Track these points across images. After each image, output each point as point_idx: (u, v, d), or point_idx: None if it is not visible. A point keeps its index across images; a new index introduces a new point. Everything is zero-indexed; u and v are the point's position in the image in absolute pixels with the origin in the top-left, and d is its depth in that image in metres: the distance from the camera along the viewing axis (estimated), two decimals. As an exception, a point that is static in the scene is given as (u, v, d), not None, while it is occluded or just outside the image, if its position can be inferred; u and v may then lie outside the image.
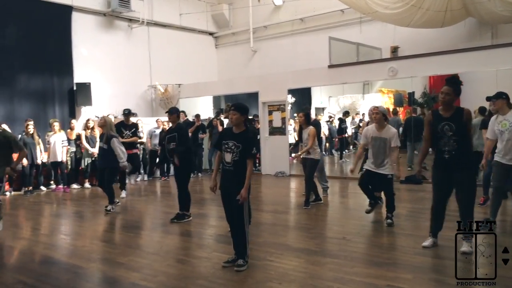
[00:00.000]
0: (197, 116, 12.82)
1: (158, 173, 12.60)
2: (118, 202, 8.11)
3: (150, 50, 14.65)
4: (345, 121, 14.67)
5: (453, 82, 4.68)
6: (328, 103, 16.98)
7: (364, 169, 6.46)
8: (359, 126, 14.03)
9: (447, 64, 9.79)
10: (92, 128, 10.90)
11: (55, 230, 6.90)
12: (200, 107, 14.72)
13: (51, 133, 10.64)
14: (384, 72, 10.67)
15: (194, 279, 4.27)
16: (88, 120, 11.18)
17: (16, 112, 11.46)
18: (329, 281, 4.04)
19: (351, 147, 15.76)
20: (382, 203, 6.87)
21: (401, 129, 11.44)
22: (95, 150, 10.73)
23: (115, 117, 11.19)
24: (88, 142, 10.79)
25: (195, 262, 4.86)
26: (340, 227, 6.32)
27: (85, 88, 12.40)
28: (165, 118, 10.62)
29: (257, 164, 12.46)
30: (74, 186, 10.95)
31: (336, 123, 15.28)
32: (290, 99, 12.52)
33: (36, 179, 10.60)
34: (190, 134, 10.53)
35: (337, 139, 15.31)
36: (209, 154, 12.95)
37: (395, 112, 12.50)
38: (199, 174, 12.73)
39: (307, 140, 7.49)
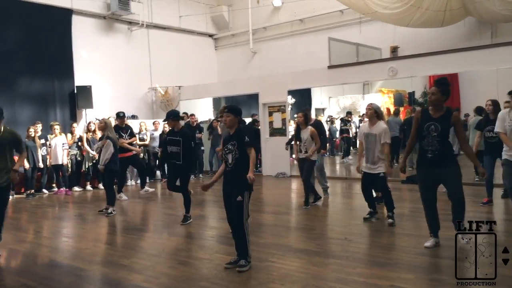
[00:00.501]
0: (192, 115, 12.75)
1: (158, 175, 12.60)
2: (114, 211, 7.83)
3: (150, 52, 14.67)
4: (349, 121, 14.65)
5: (440, 83, 4.79)
6: (328, 104, 17.00)
7: (362, 172, 6.47)
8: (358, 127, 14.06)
9: (447, 64, 9.80)
10: (94, 131, 10.92)
11: (57, 233, 6.91)
12: (201, 109, 14.74)
13: (52, 136, 10.66)
14: (384, 72, 10.68)
15: (197, 281, 4.28)
16: (89, 123, 11.21)
17: (17, 115, 11.48)
18: (331, 282, 4.05)
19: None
20: (382, 203, 6.88)
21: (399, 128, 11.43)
22: (96, 153, 10.75)
23: (115, 119, 11.18)
24: (89, 145, 10.82)
25: (197, 263, 4.87)
26: (341, 227, 6.33)
27: (86, 91, 12.42)
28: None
29: (258, 165, 12.46)
30: (76, 188, 10.97)
31: (336, 123, 15.30)
32: (290, 100, 12.53)
33: (38, 182, 10.61)
34: None
35: (338, 140, 15.32)
36: (210, 156, 12.96)
37: (396, 113, 12.49)
38: (200, 176, 12.73)
39: (306, 140, 7.49)
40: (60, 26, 12.41)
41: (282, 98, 12.27)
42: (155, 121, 12.51)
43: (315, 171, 7.98)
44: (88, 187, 11.06)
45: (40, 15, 11.95)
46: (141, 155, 10.95)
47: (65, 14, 12.48)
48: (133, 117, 13.35)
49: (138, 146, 10.70)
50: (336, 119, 15.59)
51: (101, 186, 11.16)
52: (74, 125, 11.36)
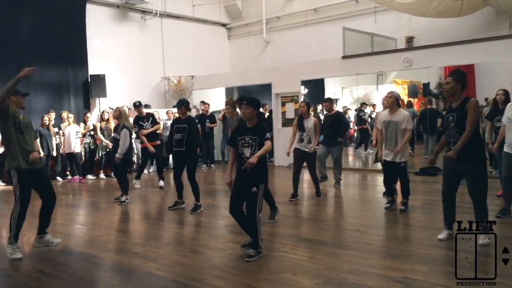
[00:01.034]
0: (205, 104, 12.75)
1: (171, 163, 12.65)
2: (127, 199, 7.92)
3: (163, 41, 14.67)
4: (364, 112, 14.44)
5: (455, 72, 4.75)
6: (342, 94, 16.86)
7: (383, 160, 6.50)
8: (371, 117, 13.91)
9: (464, 55, 9.64)
10: (107, 120, 10.99)
11: (71, 220, 6.99)
12: (213, 99, 14.74)
13: (66, 124, 10.76)
14: (399, 62, 10.55)
15: (209, 269, 4.30)
16: (103, 112, 11.28)
17: (32, 104, 11.57)
18: (343, 273, 4.04)
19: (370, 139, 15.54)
20: (397, 195, 6.85)
21: (415, 120, 11.30)
22: (109, 142, 10.85)
23: (129, 109, 11.25)
24: (103, 134, 10.89)
25: (209, 252, 4.89)
26: (354, 218, 6.30)
27: (99, 80, 12.48)
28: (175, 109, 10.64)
29: (270, 156, 12.43)
30: (90, 177, 11.08)
31: (350, 114, 15.14)
32: (303, 90, 12.45)
33: (53, 170, 10.73)
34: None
35: (352, 130, 15.16)
36: (222, 146, 12.98)
37: (409, 105, 12.33)
38: (212, 166, 12.77)
39: (310, 130, 7.40)
40: (74, 15, 12.45)
41: (295, 89, 12.20)
42: (168, 111, 12.55)
43: (316, 161, 7.97)
44: (102, 175, 11.18)
45: (54, 4, 12.00)
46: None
47: (79, 3, 12.52)
48: (146, 106, 13.36)
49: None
50: (351, 109, 15.41)
51: (113, 174, 11.25)
52: (88, 114, 11.44)
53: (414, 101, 13.50)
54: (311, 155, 7.51)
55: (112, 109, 12.25)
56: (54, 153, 10.46)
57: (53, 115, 10.77)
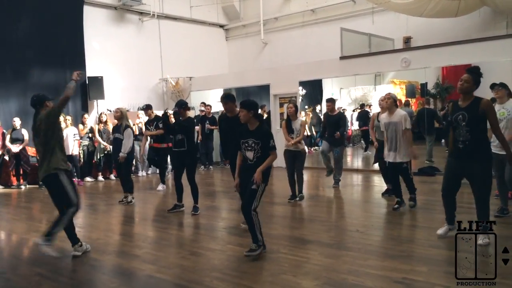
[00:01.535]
0: (206, 105, 12.75)
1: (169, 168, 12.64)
2: (133, 199, 8.01)
3: (161, 43, 14.66)
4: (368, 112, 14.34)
5: (474, 72, 4.67)
6: (340, 95, 16.85)
7: (387, 162, 6.52)
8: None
9: (461, 55, 9.65)
10: (105, 122, 10.97)
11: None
12: (211, 100, 14.72)
13: (63, 126, 10.72)
14: (396, 63, 10.56)
15: (209, 271, 4.30)
16: (101, 114, 11.26)
17: (30, 106, 11.52)
18: (343, 274, 4.04)
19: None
20: (392, 196, 6.87)
21: (412, 119, 11.29)
22: (107, 144, 10.87)
23: (127, 111, 11.21)
24: (101, 136, 10.88)
25: (209, 254, 4.88)
26: (353, 219, 6.31)
27: (97, 81, 12.46)
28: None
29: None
30: (88, 179, 11.06)
31: (347, 114, 15.10)
32: (301, 91, 12.45)
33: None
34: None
35: (350, 131, 15.13)
36: (221, 148, 12.94)
37: (407, 104, 12.36)
38: (211, 167, 12.76)
39: (299, 131, 7.40)
40: (72, 17, 12.43)
41: (293, 89, 12.20)
42: (167, 112, 12.48)
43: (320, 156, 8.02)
44: (100, 177, 11.15)
45: (52, 5, 11.98)
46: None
47: (77, 5, 12.50)
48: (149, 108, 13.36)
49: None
50: (354, 110, 15.37)
51: (112, 176, 11.25)
52: (86, 116, 11.42)
53: (412, 101, 13.52)
54: (300, 155, 7.49)
55: (110, 111, 12.26)
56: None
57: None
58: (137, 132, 11.20)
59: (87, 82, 12.53)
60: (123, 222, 6.90)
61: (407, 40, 11.77)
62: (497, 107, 5.63)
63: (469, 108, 4.58)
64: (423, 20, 11.42)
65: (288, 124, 7.51)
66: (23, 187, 10.21)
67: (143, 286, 4.06)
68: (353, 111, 15.02)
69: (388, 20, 12.54)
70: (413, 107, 13.07)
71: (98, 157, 11.06)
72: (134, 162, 11.37)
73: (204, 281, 4.04)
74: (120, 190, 8.25)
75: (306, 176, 10.63)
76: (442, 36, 10.78)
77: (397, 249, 4.72)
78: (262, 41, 15.69)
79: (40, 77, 11.82)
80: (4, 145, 10.19)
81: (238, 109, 6.22)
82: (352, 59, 11.27)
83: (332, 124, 8.39)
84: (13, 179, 10.39)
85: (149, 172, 11.96)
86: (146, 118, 11.21)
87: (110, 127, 11.09)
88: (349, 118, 15.17)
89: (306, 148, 7.59)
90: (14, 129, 10.27)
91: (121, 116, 7.85)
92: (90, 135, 11.08)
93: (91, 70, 12.69)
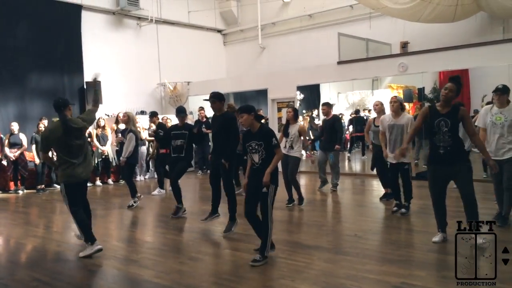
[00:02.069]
0: (201, 109, 12.72)
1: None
2: (140, 196, 8.10)
3: (159, 48, 14.69)
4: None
5: (457, 81, 4.84)
6: (337, 100, 16.89)
7: (388, 163, 6.56)
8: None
9: (458, 60, 9.71)
10: (103, 127, 10.97)
11: (67, 228, 6.92)
12: (209, 105, 14.70)
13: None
14: (394, 68, 10.61)
15: (207, 276, 4.30)
16: (99, 118, 11.24)
17: (27, 110, 11.58)
18: (341, 279, 4.04)
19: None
20: (391, 199, 6.88)
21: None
22: (105, 148, 10.88)
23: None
24: (98, 141, 10.87)
25: (207, 259, 4.88)
26: (351, 224, 6.32)
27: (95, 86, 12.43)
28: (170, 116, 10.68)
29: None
30: (86, 184, 11.02)
31: (345, 119, 15.13)
32: (299, 96, 12.48)
33: (49, 177, 10.68)
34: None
35: (348, 135, 15.14)
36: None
37: (402, 108, 12.35)
38: (208, 171, 12.73)
39: (293, 136, 7.36)
40: (70, 22, 12.47)
41: (291, 94, 12.22)
42: (164, 117, 12.52)
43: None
44: (98, 182, 11.12)
45: (49, 11, 12.03)
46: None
47: (75, 10, 12.54)
48: (142, 113, 13.38)
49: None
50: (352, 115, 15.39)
51: (110, 181, 11.23)
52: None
53: (409, 105, 13.55)
54: (292, 160, 7.41)
55: (108, 116, 12.27)
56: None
57: (45, 122, 10.59)
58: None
59: (85, 87, 12.53)
60: (120, 227, 6.89)
61: (404, 45, 11.82)
62: (494, 110, 5.61)
63: (450, 114, 4.75)
64: (420, 25, 11.47)
65: (285, 129, 7.53)
66: (20, 192, 10.19)
67: (141, 291, 4.05)
68: (351, 115, 15.04)
69: (385, 25, 12.59)
70: (410, 111, 13.10)
71: (96, 162, 11.04)
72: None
73: (202, 286, 4.03)
74: (118, 195, 8.26)
75: (304, 180, 10.66)
76: (439, 41, 10.84)
77: (395, 253, 4.72)
78: (260, 46, 15.73)
79: (38, 82, 11.83)
80: (2, 150, 10.17)
81: (226, 108, 6.34)
82: (350, 64, 11.31)
83: (327, 129, 8.40)
84: (11, 184, 10.36)
85: (147, 176, 11.95)
86: (145, 123, 11.27)
87: (108, 132, 11.12)
88: (347, 123, 15.20)
89: (303, 153, 7.55)
90: (12, 134, 10.25)
91: (128, 120, 7.92)
92: (88, 139, 11.06)
93: (89, 75, 12.66)
